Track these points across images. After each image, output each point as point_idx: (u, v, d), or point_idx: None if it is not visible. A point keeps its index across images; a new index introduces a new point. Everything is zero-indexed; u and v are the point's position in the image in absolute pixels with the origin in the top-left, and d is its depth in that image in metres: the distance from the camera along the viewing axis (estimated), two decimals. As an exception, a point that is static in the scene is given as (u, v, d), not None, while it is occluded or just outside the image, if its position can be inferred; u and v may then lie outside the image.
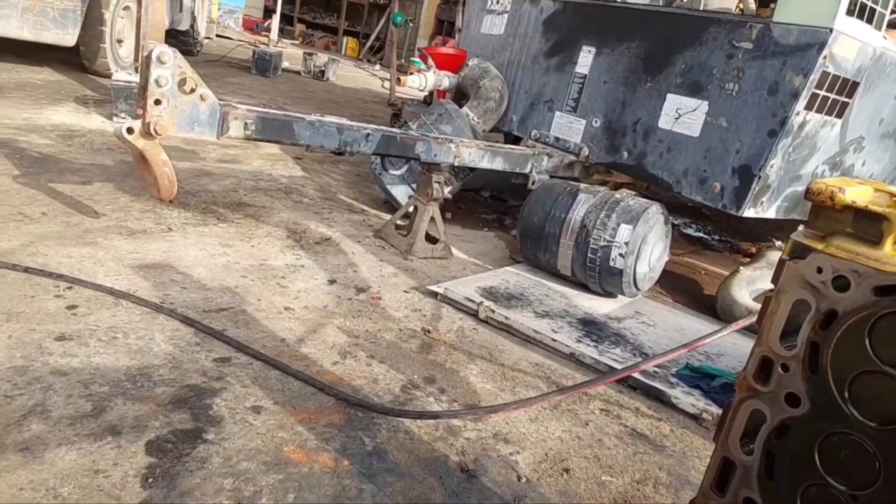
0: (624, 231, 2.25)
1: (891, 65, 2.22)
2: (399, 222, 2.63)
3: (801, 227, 0.79)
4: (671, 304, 2.57)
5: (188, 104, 1.80)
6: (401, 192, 2.85)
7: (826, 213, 0.75)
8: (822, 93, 2.06)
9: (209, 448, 1.20)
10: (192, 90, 1.80)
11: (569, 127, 2.76)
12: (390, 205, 2.94)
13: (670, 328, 2.26)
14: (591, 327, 2.12)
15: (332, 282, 2.09)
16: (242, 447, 1.22)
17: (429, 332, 1.88)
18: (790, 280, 0.76)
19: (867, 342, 0.70)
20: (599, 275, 2.34)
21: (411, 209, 2.59)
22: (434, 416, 1.46)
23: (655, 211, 2.30)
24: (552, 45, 2.85)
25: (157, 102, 1.75)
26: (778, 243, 3.45)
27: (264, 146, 3.57)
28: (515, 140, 3.45)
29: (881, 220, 0.71)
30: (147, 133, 1.76)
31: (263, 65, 6.85)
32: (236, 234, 2.29)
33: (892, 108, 2.35)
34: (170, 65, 1.73)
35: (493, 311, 2.05)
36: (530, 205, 2.56)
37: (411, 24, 8.14)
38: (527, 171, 2.72)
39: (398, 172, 2.67)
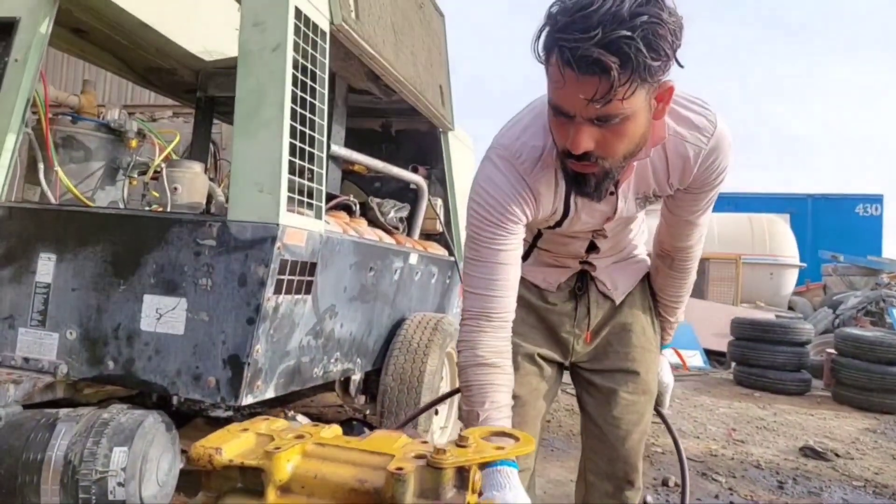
0: (119, 455, 1.97)
1: (338, 243, 2.65)
2: None
3: (200, 493, 0.75)
4: (199, 511, 2.35)
5: None
6: None
7: (215, 475, 0.74)
8: (287, 277, 2.28)
9: None
10: None
11: (39, 344, 2.36)
12: None
13: (196, 546, 2.04)
14: (91, 591, 1.73)
15: None
16: None
17: None
18: (193, 558, 0.70)
19: None
20: (100, 514, 1.97)
21: None
22: None
23: (153, 422, 2.10)
24: (3, 254, 2.44)
25: None
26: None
27: None
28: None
29: (261, 472, 0.72)
30: None
31: None
32: None
33: (350, 276, 2.79)
34: None
35: None
36: (-7, 452, 2.03)
37: None
38: (-13, 407, 2.17)
39: None
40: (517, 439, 0.80)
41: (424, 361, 3.16)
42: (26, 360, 2.36)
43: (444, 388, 3.53)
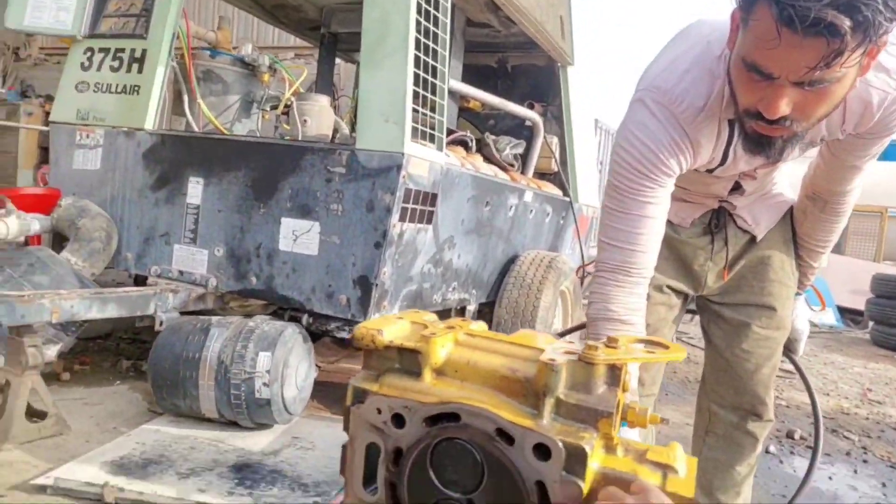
0: (263, 359, 2.18)
1: (457, 176, 2.69)
2: (-18, 407, 2.08)
3: (360, 370, 0.82)
4: (329, 417, 2.56)
5: None
6: (-16, 368, 2.27)
7: (375, 354, 0.80)
8: (410, 206, 2.36)
9: None
10: None
11: (191, 258, 2.62)
12: (-28, 385, 2.33)
13: (330, 446, 2.24)
14: (244, 472, 1.95)
15: None
16: None
17: (27, 550, 1.48)
18: (358, 426, 0.77)
19: (430, 471, 0.74)
20: (248, 409, 2.20)
21: (3, 384, 2.08)
22: None
23: (292, 332, 2.29)
24: (158, 178, 2.70)
25: None
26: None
27: None
28: (141, 279, 3.14)
29: (418, 354, 0.78)
30: None
31: None
32: None
33: (467, 209, 2.83)
34: None
35: (122, 490, 1.73)
36: (158, 349, 2.31)
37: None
38: (150, 312, 2.46)
39: (-34, 349, 2.14)
40: (666, 348, 0.80)
41: (538, 297, 3.17)
42: (181, 273, 2.63)
43: (557, 324, 3.55)
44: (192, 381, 2.20)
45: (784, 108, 0.99)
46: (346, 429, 0.79)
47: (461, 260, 2.91)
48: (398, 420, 0.75)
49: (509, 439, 0.70)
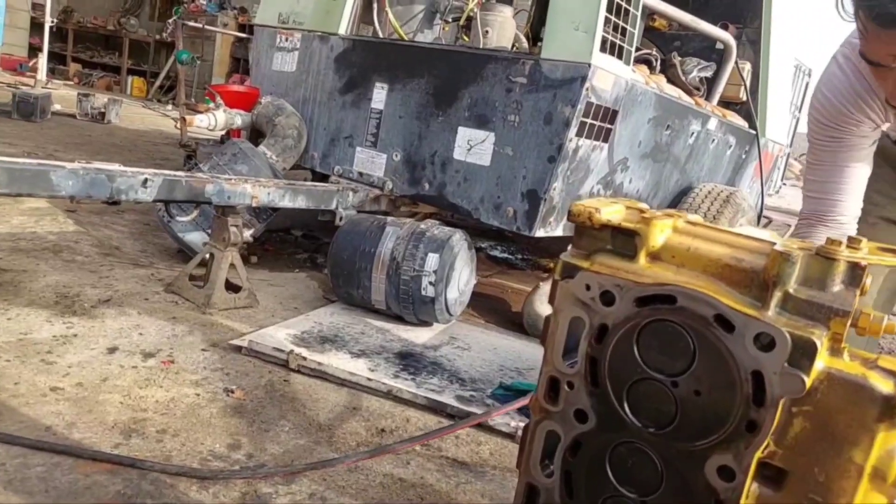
0: (432, 260, 2.29)
1: (641, 94, 2.54)
2: (194, 273, 2.41)
3: (569, 248, 0.82)
4: (483, 325, 2.65)
5: None
6: (196, 240, 2.62)
7: (587, 233, 0.79)
8: (589, 121, 2.28)
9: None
10: None
11: (371, 161, 2.76)
12: (185, 255, 2.69)
13: (483, 349, 2.33)
14: (408, 360, 2.10)
15: (112, 350, 1.83)
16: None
17: (232, 391, 1.72)
18: (564, 299, 0.78)
19: (636, 351, 0.74)
20: (413, 305, 2.34)
21: (207, 257, 2.39)
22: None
23: (459, 238, 2.37)
24: (346, 82, 2.84)
25: None
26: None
27: (26, 200, 3.09)
28: (323, 177, 3.38)
29: (634, 236, 0.76)
30: None
31: (27, 108, 6.01)
32: (-14, 308, 1.93)
33: (646, 131, 2.68)
34: None
35: (304, 359, 1.94)
36: (338, 241, 2.50)
37: (198, 63, 7.74)
38: (332, 207, 2.66)
39: (187, 218, 2.46)
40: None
41: (710, 233, 2.98)
42: (360, 174, 2.80)
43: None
44: (367, 273, 2.37)
45: None
46: (550, 301, 0.80)
47: (632, 185, 2.79)
48: (607, 297, 0.75)
49: (728, 326, 0.67)
